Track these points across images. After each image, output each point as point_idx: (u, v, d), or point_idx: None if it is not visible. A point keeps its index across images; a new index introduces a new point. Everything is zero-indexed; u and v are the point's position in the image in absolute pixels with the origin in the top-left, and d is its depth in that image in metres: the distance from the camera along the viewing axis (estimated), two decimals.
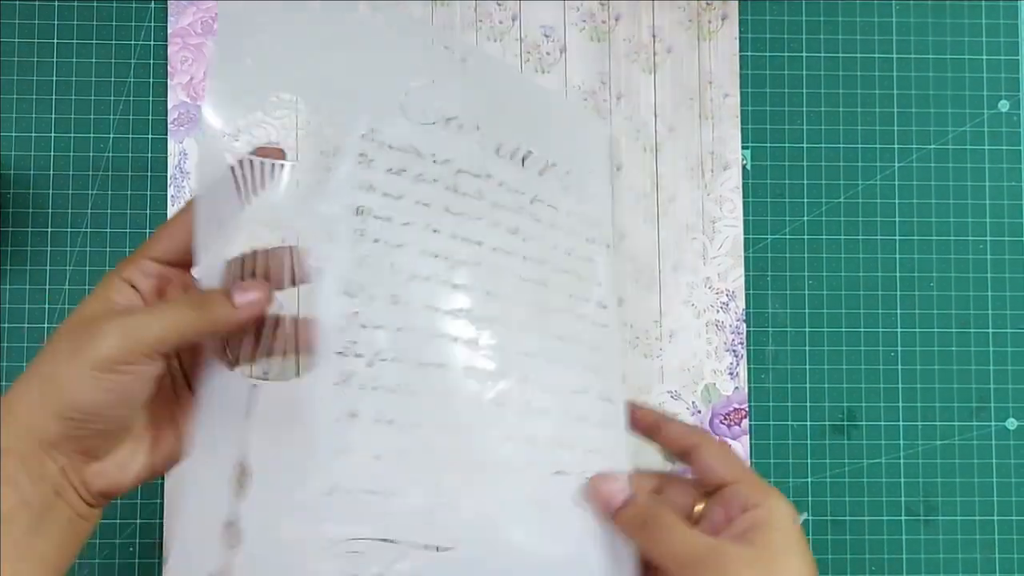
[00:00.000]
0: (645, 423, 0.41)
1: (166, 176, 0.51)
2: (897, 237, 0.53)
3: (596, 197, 0.43)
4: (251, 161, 0.35)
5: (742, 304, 0.52)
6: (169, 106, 0.52)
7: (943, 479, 0.52)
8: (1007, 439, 0.52)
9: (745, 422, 0.52)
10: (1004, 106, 0.53)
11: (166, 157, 0.52)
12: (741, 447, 0.52)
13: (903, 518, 0.52)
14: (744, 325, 0.52)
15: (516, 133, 0.40)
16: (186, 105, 0.52)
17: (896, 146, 0.53)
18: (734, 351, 0.52)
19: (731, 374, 0.52)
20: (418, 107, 0.38)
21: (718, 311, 0.52)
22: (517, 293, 0.39)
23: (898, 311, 0.53)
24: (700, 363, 0.52)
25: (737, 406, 0.52)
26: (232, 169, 0.35)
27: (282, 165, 0.35)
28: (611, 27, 0.53)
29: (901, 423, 0.52)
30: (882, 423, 0.52)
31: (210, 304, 0.35)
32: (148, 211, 0.51)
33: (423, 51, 0.39)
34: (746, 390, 0.52)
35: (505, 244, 0.38)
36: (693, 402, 0.52)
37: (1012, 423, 0.53)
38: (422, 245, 0.37)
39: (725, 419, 0.52)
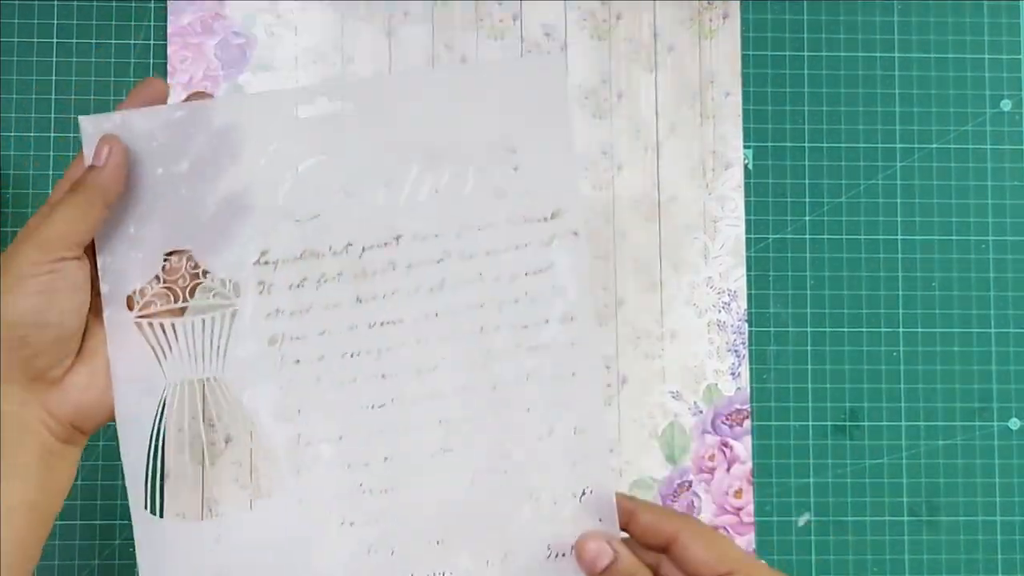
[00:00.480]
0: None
1: None
2: (899, 237, 0.53)
3: (550, 167, 0.38)
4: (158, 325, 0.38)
5: (744, 304, 0.52)
6: None
7: (945, 479, 0.52)
8: (1009, 439, 0.52)
9: (747, 422, 0.52)
10: (1006, 105, 0.53)
11: None
12: (743, 447, 0.52)
13: (905, 518, 0.52)
14: (746, 325, 0.52)
15: (432, 149, 0.38)
16: None
17: (898, 145, 0.53)
18: (736, 351, 0.52)
19: (733, 374, 0.52)
20: (302, 197, 0.37)
21: (720, 311, 0.52)
22: (453, 356, 0.38)
23: (900, 311, 0.53)
24: (702, 363, 0.52)
25: (739, 406, 0.52)
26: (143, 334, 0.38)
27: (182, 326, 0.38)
28: (612, 26, 0.53)
29: (903, 423, 0.52)
30: (884, 423, 0.52)
31: (85, 181, 0.37)
32: None
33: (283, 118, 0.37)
34: (748, 390, 0.52)
35: (429, 307, 0.38)
36: (695, 402, 0.52)
37: (1015, 423, 0.52)
38: (341, 348, 0.37)
39: (727, 419, 0.52)
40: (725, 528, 0.51)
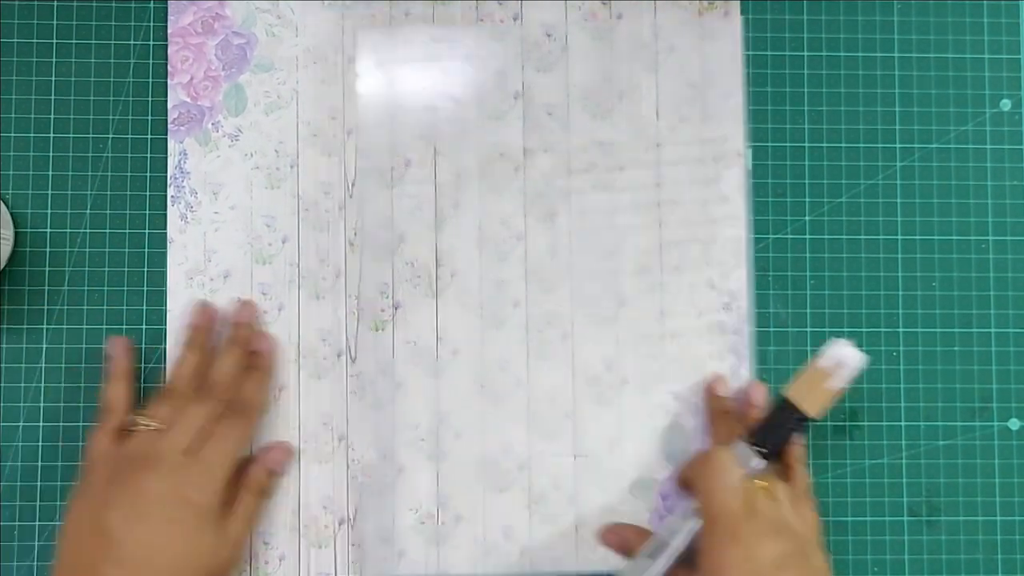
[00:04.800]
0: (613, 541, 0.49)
1: (166, 176, 0.51)
2: (899, 237, 0.53)
3: (723, 101, 0.50)
4: None
5: (744, 304, 0.52)
6: (169, 106, 0.51)
7: (946, 480, 0.52)
8: (1009, 439, 0.52)
9: None
10: (1006, 105, 0.53)
11: (166, 157, 0.51)
12: None
13: (905, 519, 0.52)
14: (746, 325, 0.52)
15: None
16: (186, 105, 0.52)
17: (898, 145, 0.53)
18: (736, 351, 0.52)
19: (733, 375, 0.52)
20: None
21: (720, 311, 0.52)
22: (634, 240, 0.52)
23: (900, 311, 0.53)
24: (702, 364, 0.52)
25: None
26: None
27: None
28: (613, 26, 0.53)
29: (903, 423, 0.52)
30: (884, 423, 0.52)
31: (264, 485, 0.49)
32: (148, 211, 0.51)
33: None
34: None
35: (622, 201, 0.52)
36: (695, 403, 0.52)
37: (1015, 423, 0.52)
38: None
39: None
40: None
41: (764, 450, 0.46)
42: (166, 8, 0.52)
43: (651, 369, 0.52)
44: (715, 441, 0.50)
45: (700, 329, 0.52)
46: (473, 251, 0.52)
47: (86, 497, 0.45)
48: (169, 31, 0.52)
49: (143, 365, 0.51)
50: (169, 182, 0.51)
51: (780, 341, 0.52)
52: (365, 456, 0.51)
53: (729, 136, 0.53)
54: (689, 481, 0.46)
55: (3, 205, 0.50)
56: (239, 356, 0.49)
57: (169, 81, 0.51)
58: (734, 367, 0.52)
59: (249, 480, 0.48)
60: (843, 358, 0.47)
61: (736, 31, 0.53)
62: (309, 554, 0.50)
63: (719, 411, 0.50)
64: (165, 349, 0.51)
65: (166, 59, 0.52)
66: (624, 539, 0.49)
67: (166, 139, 0.51)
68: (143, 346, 0.51)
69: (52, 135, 0.51)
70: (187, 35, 0.52)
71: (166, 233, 0.51)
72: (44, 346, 0.51)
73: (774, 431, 0.46)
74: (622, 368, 0.52)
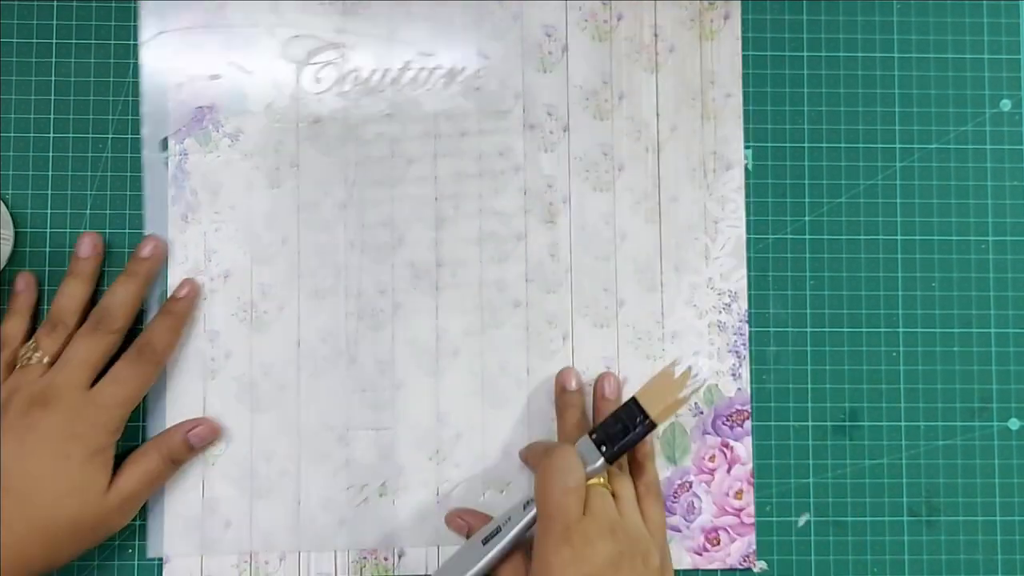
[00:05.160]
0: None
1: (166, 176, 0.51)
2: (899, 237, 0.53)
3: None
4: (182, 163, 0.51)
5: (744, 305, 0.52)
6: (169, 106, 0.51)
7: (945, 480, 0.52)
8: (1009, 439, 0.52)
9: (747, 423, 0.52)
10: (1006, 105, 0.53)
11: (166, 157, 0.51)
12: (744, 448, 0.52)
13: (905, 519, 0.52)
14: (746, 326, 0.52)
15: None
16: (186, 105, 0.52)
17: (897, 146, 0.53)
18: (737, 352, 0.52)
19: (733, 375, 0.52)
20: None
21: (720, 312, 0.52)
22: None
23: (900, 311, 0.53)
24: (702, 364, 0.52)
25: (739, 407, 0.52)
26: None
27: None
28: (613, 27, 0.53)
29: (903, 423, 0.52)
30: (884, 423, 0.52)
31: (174, 450, 0.49)
32: (148, 212, 0.51)
33: None
34: (749, 391, 0.52)
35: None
36: (695, 403, 0.52)
37: (1015, 423, 0.52)
38: None
39: (727, 420, 0.52)
40: (726, 529, 0.51)
41: (604, 451, 0.46)
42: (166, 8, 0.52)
43: (652, 370, 0.51)
44: (561, 434, 0.50)
45: (700, 329, 0.52)
46: (473, 251, 0.52)
47: None
48: (171, 30, 0.52)
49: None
50: (169, 182, 0.51)
51: (780, 341, 0.52)
52: (365, 456, 0.51)
53: (729, 136, 0.53)
54: (531, 466, 0.47)
55: (3, 205, 0.50)
56: (135, 289, 0.49)
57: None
58: (735, 367, 0.52)
59: (162, 441, 0.49)
60: (696, 369, 0.48)
61: (736, 31, 0.53)
62: (309, 555, 0.50)
63: (566, 405, 0.50)
64: None
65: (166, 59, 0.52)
66: (469, 525, 0.49)
67: (166, 139, 0.51)
68: None
69: (52, 135, 0.51)
70: (188, 34, 0.52)
71: (166, 233, 0.51)
72: None
73: (619, 432, 0.46)
74: (623, 369, 0.52)
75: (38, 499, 0.44)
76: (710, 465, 0.51)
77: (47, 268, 0.51)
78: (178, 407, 0.50)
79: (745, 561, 0.51)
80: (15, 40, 0.52)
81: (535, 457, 0.48)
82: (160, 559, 0.50)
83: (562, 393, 0.51)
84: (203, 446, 0.50)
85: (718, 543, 0.51)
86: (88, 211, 0.51)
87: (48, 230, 0.51)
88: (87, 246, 0.50)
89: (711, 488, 0.51)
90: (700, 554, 0.51)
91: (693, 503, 0.51)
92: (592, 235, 0.52)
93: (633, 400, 0.47)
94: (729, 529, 0.51)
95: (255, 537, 0.50)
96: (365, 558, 0.50)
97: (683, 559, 0.51)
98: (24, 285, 0.50)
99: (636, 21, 0.53)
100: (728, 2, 0.53)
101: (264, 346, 0.51)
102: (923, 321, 0.53)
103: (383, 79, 0.52)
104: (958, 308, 0.53)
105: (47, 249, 0.51)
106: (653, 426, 0.46)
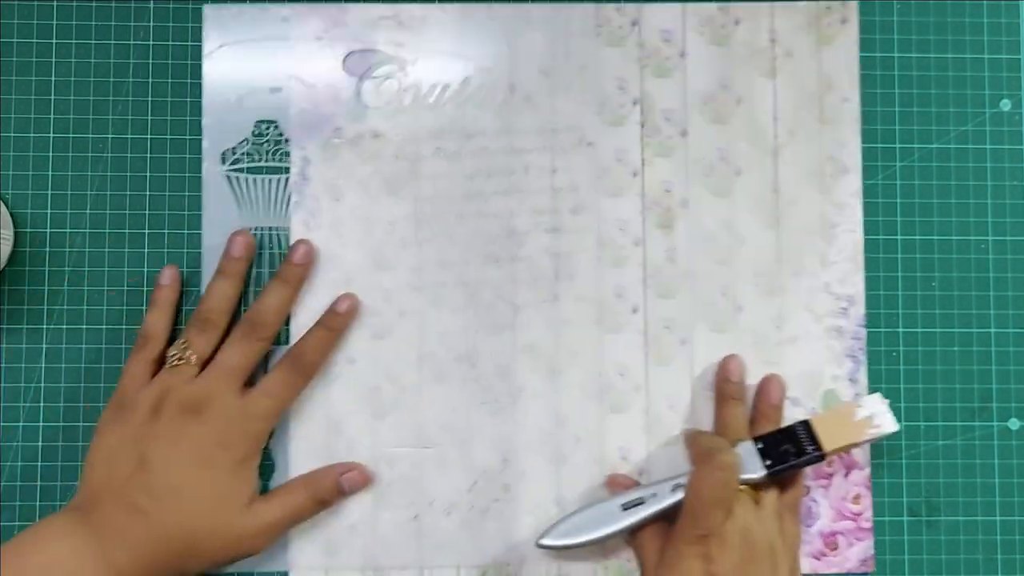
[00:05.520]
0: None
1: (166, 176, 0.51)
2: (899, 237, 0.53)
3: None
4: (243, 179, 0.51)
5: (862, 309, 0.52)
6: (291, 112, 0.52)
7: (945, 480, 0.52)
8: (1009, 439, 0.52)
9: None
10: (1006, 105, 0.53)
11: (166, 157, 0.51)
12: (862, 453, 0.51)
13: (905, 519, 0.52)
14: (863, 330, 0.52)
15: None
16: (307, 112, 0.52)
17: (897, 145, 0.53)
18: (854, 356, 0.52)
19: (851, 379, 0.52)
20: None
21: (838, 316, 0.52)
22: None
23: (900, 311, 0.53)
24: (820, 368, 0.52)
25: None
26: None
27: None
28: (731, 31, 0.52)
29: (903, 423, 0.52)
30: None
31: (322, 491, 0.49)
32: (147, 212, 0.51)
33: None
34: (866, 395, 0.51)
35: None
36: (813, 408, 0.52)
37: (1015, 423, 0.52)
38: None
39: None
40: (844, 534, 0.51)
41: (768, 464, 0.46)
42: (167, 8, 0.52)
43: (764, 372, 0.51)
44: (719, 425, 0.50)
45: (818, 334, 0.52)
46: (591, 256, 0.51)
47: (124, 425, 0.46)
48: (233, 42, 0.51)
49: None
50: (291, 188, 0.51)
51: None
52: (486, 460, 0.51)
53: (846, 141, 0.52)
54: (690, 454, 0.46)
55: (3, 205, 0.50)
56: (287, 295, 0.49)
57: (273, 98, 0.51)
58: (852, 372, 0.52)
59: (314, 480, 0.49)
60: (879, 417, 0.47)
61: (854, 35, 0.53)
62: (432, 572, 0.50)
63: (728, 396, 0.50)
64: None
65: (168, 59, 0.52)
66: (625, 489, 0.49)
67: (166, 139, 0.51)
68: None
69: (52, 135, 0.51)
70: (250, 47, 0.52)
71: (166, 233, 0.51)
72: (44, 346, 0.51)
73: (786, 452, 0.46)
74: None
75: (181, 504, 0.44)
76: (828, 470, 0.51)
77: (47, 268, 0.51)
78: (300, 414, 0.50)
79: (863, 565, 0.51)
80: (15, 40, 0.52)
81: (698, 448, 0.47)
82: (285, 572, 0.50)
83: (724, 383, 0.50)
84: (353, 491, 0.49)
85: (836, 548, 0.51)
86: (88, 211, 0.51)
87: (48, 230, 0.51)
88: (240, 246, 0.49)
89: (828, 493, 0.51)
90: (819, 559, 0.51)
91: (811, 508, 0.51)
92: (710, 240, 0.52)
93: (806, 424, 0.47)
94: (847, 534, 0.51)
95: (378, 546, 0.50)
96: (486, 572, 0.50)
97: (803, 564, 0.51)
98: (169, 279, 0.50)
99: (753, 25, 0.53)
100: (846, 3, 0.53)
101: (386, 352, 0.51)
102: (923, 321, 0.53)
103: (494, 90, 0.52)
104: (958, 308, 0.53)
105: (47, 249, 0.51)
106: (822, 458, 0.47)
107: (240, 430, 0.46)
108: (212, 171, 0.51)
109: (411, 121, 0.52)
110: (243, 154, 0.51)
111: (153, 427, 0.45)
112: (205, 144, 0.51)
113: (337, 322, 0.50)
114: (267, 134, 0.51)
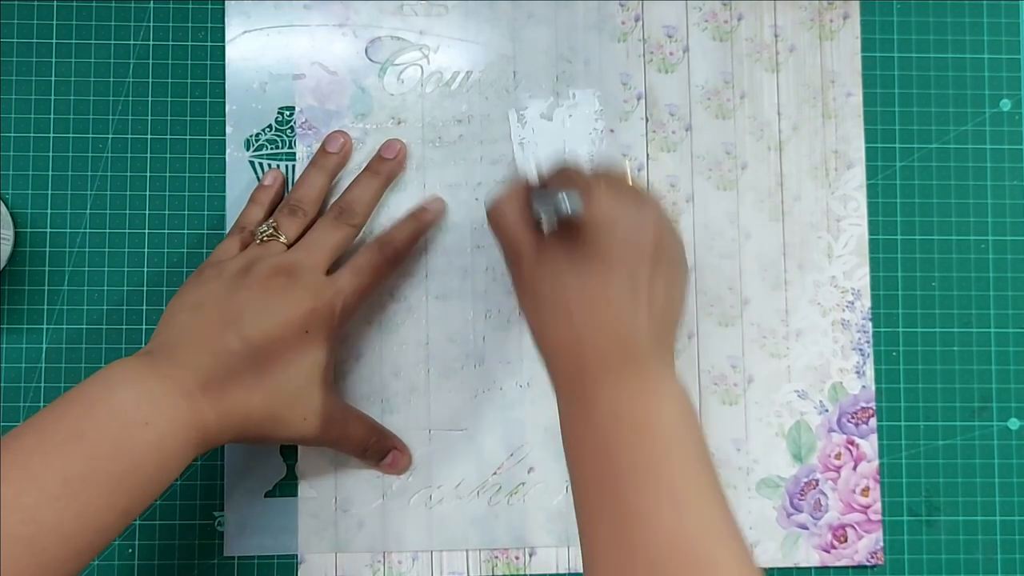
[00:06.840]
0: None
1: (165, 177, 0.51)
2: (899, 237, 0.53)
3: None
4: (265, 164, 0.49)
5: (868, 302, 0.52)
6: (297, 109, 0.52)
7: (945, 479, 0.52)
8: (1009, 439, 0.52)
9: (873, 420, 0.52)
10: (1006, 105, 0.53)
11: (166, 158, 0.51)
12: (870, 445, 0.52)
13: (905, 518, 0.52)
14: (870, 323, 0.52)
15: None
16: (313, 109, 0.52)
17: (897, 145, 0.53)
18: (860, 349, 0.52)
19: (858, 372, 0.52)
20: None
21: (844, 309, 0.52)
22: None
23: (900, 311, 0.53)
24: (827, 362, 0.52)
25: (864, 404, 0.52)
26: None
27: None
28: (733, 27, 0.53)
29: (903, 423, 0.52)
30: (884, 423, 0.52)
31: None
32: (147, 212, 0.51)
33: None
34: (873, 388, 0.52)
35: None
36: (820, 401, 0.52)
37: (1014, 423, 0.52)
38: None
39: (852, 418, 0.52)
40: (853, 526, 0.51)
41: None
42: (167, 8, 0.52)
43: (777, 368, 0.52)
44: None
45: (825, 327, 0.52)
46: None
47: (213, 282, 0.45)
48: (255, 29, 0.51)
49: None
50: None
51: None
52: (495, 455, 0.51)
53: (850, 135, 0.53)
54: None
55: (3, 205, 0.50)
56: (377, 186, 0.50)
57: (295, 84, 0.51)
58: (859, 365, 0.52)
59: (368, 444, 0.49)
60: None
61: (856, 30, 0.53)
62: (441, 554, 0.50)
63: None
64: None
65: (169, 59, 0.52)
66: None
67: (166, 139, 0.51)
68: (143, 347, 0.51)
69: (52, 135, 0.51)
70: (273, 34, 0.52)
71: (166, 233, 0.51)
72: (44, 346, 0.51)
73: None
74: (748, 367, 0.52)
75: (271, 356, 0.43)
76: (836, 463, 0.51)
77: (47, 268, 0.51)
78: None
79: (872, 558, 0.51)
80: (15, 40, 0.52)
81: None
82: (295, 556, 0.50)
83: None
84: (398, 471, 0.50)
85: (845, 540, 0.51)
86: (88, 211, 0.51)
87: (48, 230, 0.51)
88: (336, 142, 0.50)
89: (837, 485, 0.51)
90: (828, 551, 0.51)
91: (820, 500, 0.51)
92: (716, 234, 0.52)
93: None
94: (856, 526, 0.51)
95: (387, 532, 0.50)
96: (496, 557, 0.50)
97: (811, 556, 0.51)
98: (272, 180, 0.50)
99: (756, 21, 0.53)
100: (847, 1, 0.53)
101: (393, 347, 0.51)
102: (923, 321, 0.53)
103: (486, 81, 0.52)
104: (958, 308, 0.53)
105: (47, 249, 0.51)
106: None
107: (329, 301, 0.45)
108: (236, 157, 0.51)
109: (433, 107, 0.52)
110: (266, 140, 0.51)
111: (246, 280, 0.44)
112: (229, 130, 0.51)
113: (425, 217, 0.50)
114: (290, 120, 0.51)
